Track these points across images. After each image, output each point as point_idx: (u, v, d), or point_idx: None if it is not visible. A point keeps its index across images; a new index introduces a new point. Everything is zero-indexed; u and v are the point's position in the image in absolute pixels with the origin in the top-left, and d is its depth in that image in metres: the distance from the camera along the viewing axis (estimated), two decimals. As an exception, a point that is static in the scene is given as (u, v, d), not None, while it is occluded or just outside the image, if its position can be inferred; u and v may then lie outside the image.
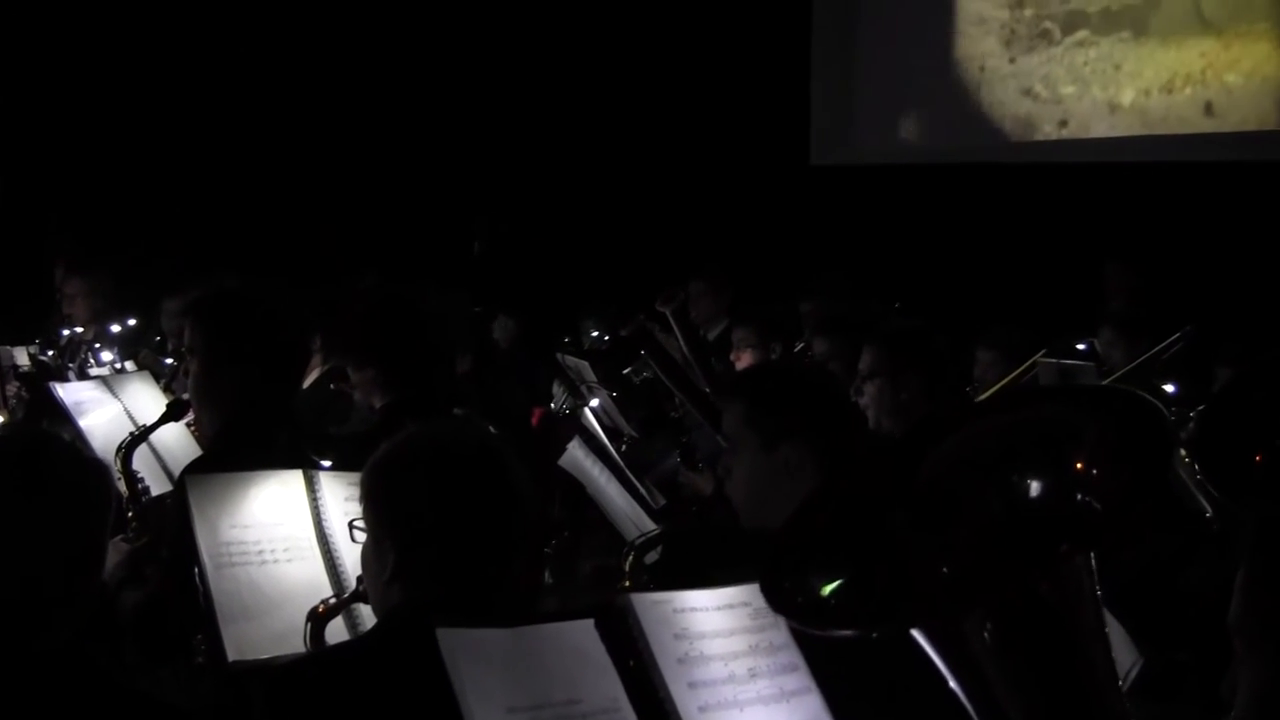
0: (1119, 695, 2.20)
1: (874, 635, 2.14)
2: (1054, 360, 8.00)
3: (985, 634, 2.07)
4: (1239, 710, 2.13)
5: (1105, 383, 7.44)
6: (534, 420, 7.60)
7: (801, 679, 2.90)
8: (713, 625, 2.87)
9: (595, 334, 11.23)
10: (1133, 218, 11.23)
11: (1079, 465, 2.20)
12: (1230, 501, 3.43)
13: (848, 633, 2.21)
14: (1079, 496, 2.17)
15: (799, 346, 8.30)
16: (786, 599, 2.26)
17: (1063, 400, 2.54)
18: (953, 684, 2.15)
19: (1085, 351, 8.69)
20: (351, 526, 3.37)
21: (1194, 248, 10.74)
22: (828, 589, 2.20)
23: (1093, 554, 2.10)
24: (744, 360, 8.01)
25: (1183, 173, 11.06)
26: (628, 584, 3.97)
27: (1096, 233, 11.30)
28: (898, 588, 2.21)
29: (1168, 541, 5.62)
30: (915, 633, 2.11)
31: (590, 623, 2.75)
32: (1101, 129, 12.01)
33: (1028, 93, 12.47)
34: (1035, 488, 2.22)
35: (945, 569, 2.19)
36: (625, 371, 9.31)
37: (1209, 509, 5.16)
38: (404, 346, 4.89)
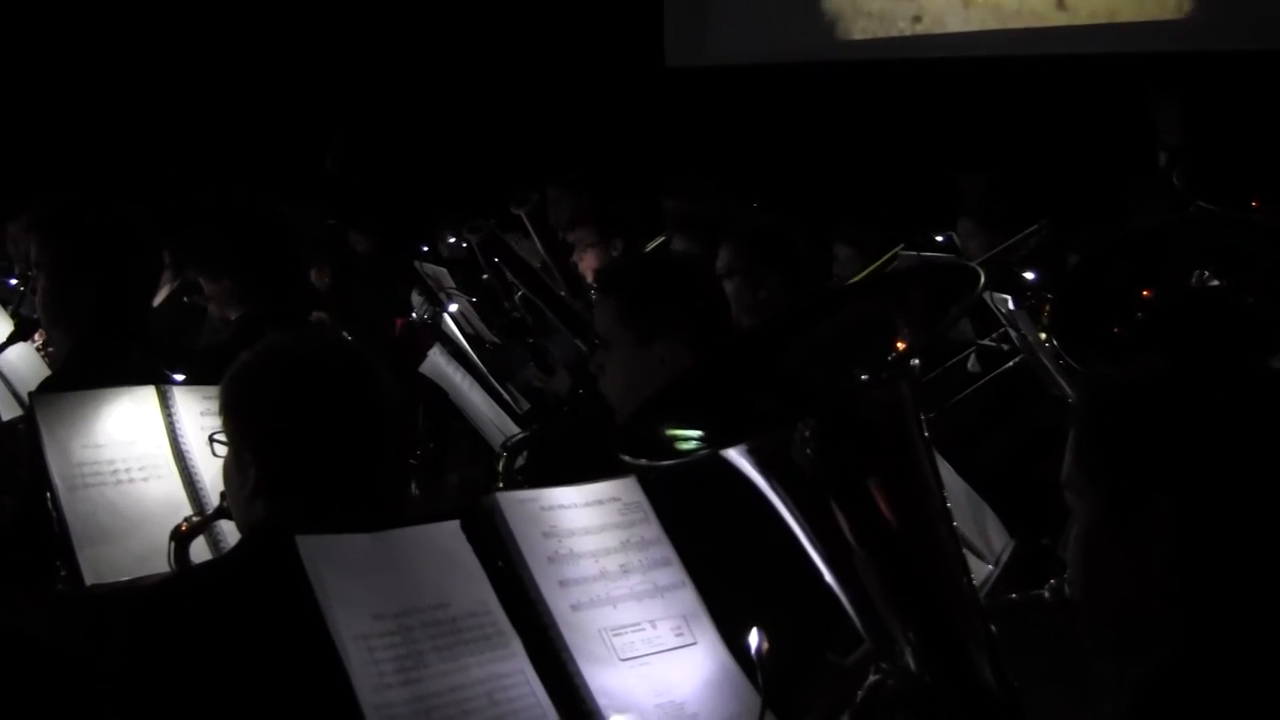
0: (947, 514, 2.33)
1: (714, 452, 2.23)
2: (913, 253, 8.05)
3: (808, 451, 2.18)
4: (1070, 556, 2.28)
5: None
6: (396, 330, 7.53)
7: (674, 573, 2.89)
8: (582, 522, 2.84)
9: (452, 241, 11.09)
10: (988, 111, 11.32)
11: (897, 343, 2.38)
12: (1092, 371, 3.53)
13: (689, 457, 2.28)
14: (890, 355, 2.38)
15: (658, 242, 8.27)
16: (637, 443, 2.35)
17: (884, 288, 2.77)
18: (788, 519, 2.27)
19: (944, 243, 8.76)
20: (212, 440, 3.24)
21: (1048, 139, 10.86)
22: (678, 433, 2.32)
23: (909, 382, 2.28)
24: (587, 260, 7.97)
25: (1035, 66, 11.17)
26: (501, 485, 3.93)
27: (952, 127, 11.38)
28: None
29: (1031, 428, 5.69)
30: (742, 463, 2.21)
31: (456, 524, 2.70)
32: (955, 24, 12.08)
33: (881, -12, 12.50)
34: (869, 376, 2.37)
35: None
36: (485, 277, 9.22)
37: (1071, 394, 5.21)
38: (261, 255, 4.77)
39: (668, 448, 2.32)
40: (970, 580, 2.37)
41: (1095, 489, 2.21)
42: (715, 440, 2.28)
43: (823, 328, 2.48)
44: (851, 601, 2.32)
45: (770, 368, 2.43)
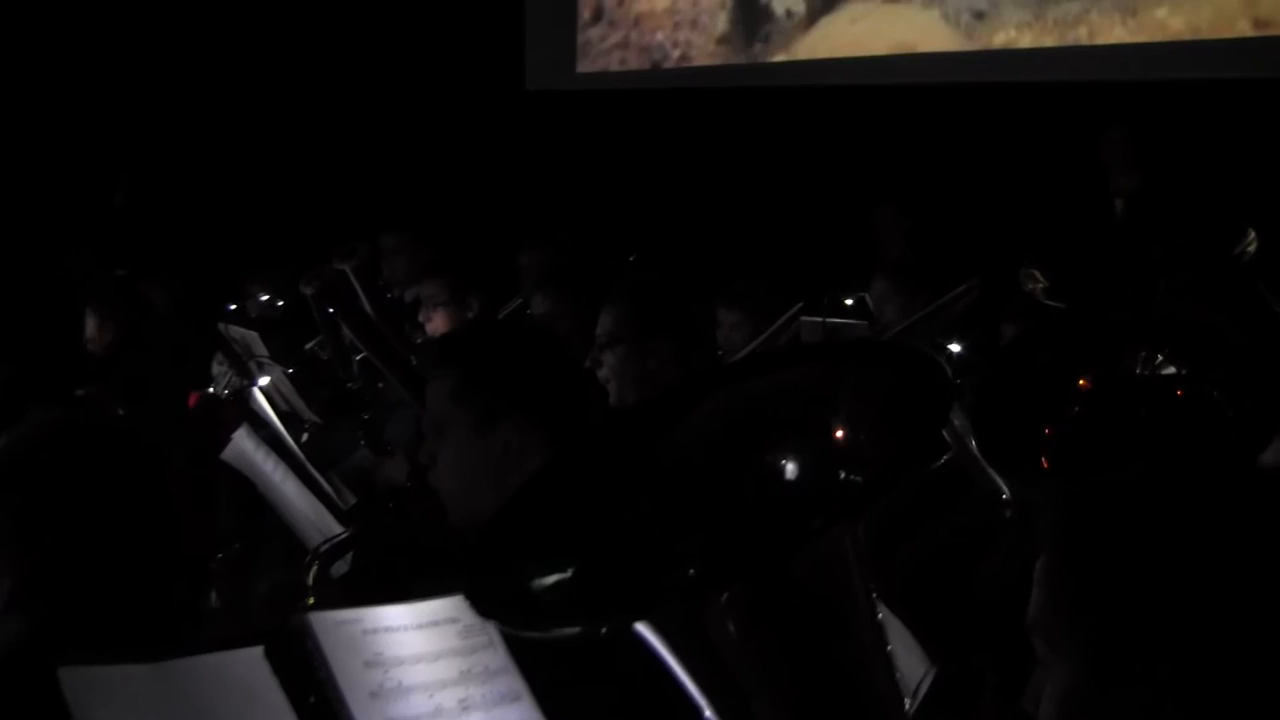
0: (897, 694, 2.21)
1: (600, 632, 2.11)
2: (818, 319, 8.08)
3: (730, 626, 2.05)
4: (1043, 718, 2.10)
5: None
6: (190, 405, 7.45)
7: (524, 710, 2.86)
8: (413, 649, 2.81)
9: (265, 299, 11.05)
10: (914, 145, 11.41)
11: (838, 436, 2.21)
12: (1018, 482, 3.46)
13: (568, 631, 2.14)
14: (841, 474, 2.19)
15: (515, 304, 8.27)
16: (493, 597, 2.21)
17: (819, 360, 2.54)
18: (690, 687, 2.12)
19: (854, 308, 8.80)
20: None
21: (982, 182, 10.97)
22: (546, 583, 2.17)
23: (856, 527, 2.11)
24: (436, 322, 7.95)
25: (968, 95, 11.30)
26: (311, 601, 3.87)
27: (870, 165, 11.44)
28: (629, 579, 2.20)
29: (958, 529, 5.71)
30: (644, 631, 2.08)
31: (259, 651, 2.65)
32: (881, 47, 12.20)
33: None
34: (790, 468, 2.24)
35: (687, 559, 2.18)
36: (309, 346, 9.18)
37: (1006, 490, 5.23)
38: (14, 310, 4.70)
39: (538, 612, 2.19)
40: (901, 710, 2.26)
41: (1076, 640, 2.04)
42: (603, 617, 2.14)
43: (728, 405, 2.35)
44: None
45: (664, 464, 2.30)
